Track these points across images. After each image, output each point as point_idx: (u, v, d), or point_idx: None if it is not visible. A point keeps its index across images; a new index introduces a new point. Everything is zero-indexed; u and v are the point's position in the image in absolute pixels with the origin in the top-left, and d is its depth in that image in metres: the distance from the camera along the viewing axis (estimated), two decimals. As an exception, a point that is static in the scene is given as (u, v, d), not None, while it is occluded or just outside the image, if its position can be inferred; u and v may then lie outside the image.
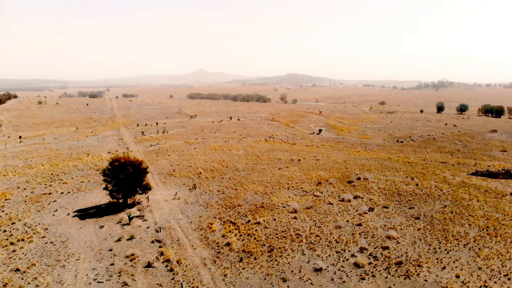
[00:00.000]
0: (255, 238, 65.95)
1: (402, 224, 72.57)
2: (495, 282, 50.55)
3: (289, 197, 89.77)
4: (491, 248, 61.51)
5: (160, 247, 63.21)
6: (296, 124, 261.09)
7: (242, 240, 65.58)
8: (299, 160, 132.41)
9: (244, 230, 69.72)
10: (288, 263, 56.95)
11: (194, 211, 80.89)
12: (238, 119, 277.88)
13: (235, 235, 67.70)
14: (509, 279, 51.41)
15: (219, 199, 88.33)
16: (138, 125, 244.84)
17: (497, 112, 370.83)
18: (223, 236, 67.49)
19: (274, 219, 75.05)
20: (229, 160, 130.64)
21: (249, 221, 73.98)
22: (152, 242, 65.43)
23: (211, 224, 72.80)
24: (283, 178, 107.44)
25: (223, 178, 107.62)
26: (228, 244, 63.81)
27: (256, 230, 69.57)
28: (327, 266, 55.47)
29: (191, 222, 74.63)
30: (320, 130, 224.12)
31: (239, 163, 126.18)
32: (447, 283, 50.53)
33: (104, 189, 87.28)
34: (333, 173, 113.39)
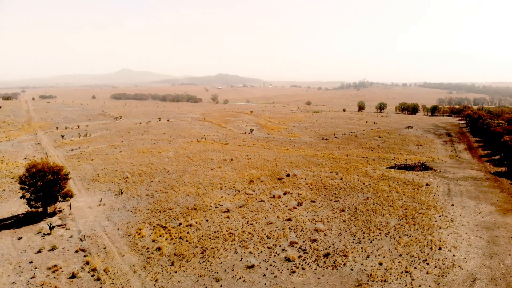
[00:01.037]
0: (187, 241, 65.25)
1: (329, 217, 76.44)
2: (415, 268, 55.26)
3: (222, 197, 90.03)
4: (410, 236, 67.12)
5: (85, 256, 59.90)
6: (228, 124, 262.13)
7: (174, 243, 64.53)
8: (231, 159, 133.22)
9: (176, 233, 68.64)
10: (221, 262, 57.21)
11: (121, 217, 77.78)
12: (168, 120, 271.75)
13: (166, 239, 66.39)
14: (427, 264, 56.50)
15: (148, 204, 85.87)
16: (57, 128, 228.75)
17: (412, 109, 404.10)
18: (153, 241, 65.81)
19: (207, 220, 74.84)
20: (159, 163, 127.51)
21: (180, 224, 72.95)
22: (76, 251, 61.79)
23: (140, 229, 70.61)
24: (215, 178, 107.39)
25: (152, 181, 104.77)
26: (158, 248, 62.39)
27: (188, 232, 68.84)
28: (259, 263, 56.67)
29: (118, 229, 71.71)
30: (252, 130, 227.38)
31: (169, 165, 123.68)
32: (371, 270, 54.22)
33: (21, 198, 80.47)
34: (265, 171, 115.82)
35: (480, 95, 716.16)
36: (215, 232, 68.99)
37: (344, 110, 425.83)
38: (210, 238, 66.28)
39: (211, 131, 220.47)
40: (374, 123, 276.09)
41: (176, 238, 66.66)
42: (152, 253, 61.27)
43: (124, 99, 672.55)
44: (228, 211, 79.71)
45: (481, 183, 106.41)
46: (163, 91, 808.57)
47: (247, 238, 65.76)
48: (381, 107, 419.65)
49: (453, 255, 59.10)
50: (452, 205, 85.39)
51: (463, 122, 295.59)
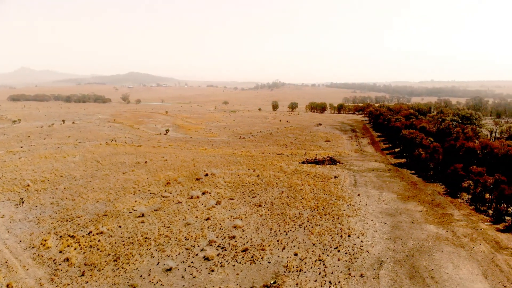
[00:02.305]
0: (98, 249, 61.24)
1: (247, 212, 77.46)
2: (327, 255, 58.28)
3: (136, 201, 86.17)
4: (322, 226, 70.72)
5: (-21, 276, 53.03)
6: (141, 125, 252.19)
7: (84, 253, 60.14)
8: (145, 162, 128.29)
9: (85, 242, 64.02)
10: (137, 268, 54.70)
11: (23, 229, 70.44)
12: (73, 122, 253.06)
13: (75, 248, 61.63)
14: (338, 251, 59.92)
15: (53, 213, 78.95)
16: None
17: (321, 108, 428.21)
18: (60, 251, 60.66)
19: (120, 226, 71.04)
20: (64, 169, 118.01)
21: (90, 232, 68.22)
22: (-32, 271, 54.46)
23: (45, 240, 64.64)
24: (128, 182, 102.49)
25: (57, 189, 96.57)
26: (67, 259, 57.66)
27: (99, 240, 64.65)
28: (177, 265, 55.30)
29: (20, 241, 64.86)
30: (168, 130, 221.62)
31: (76, 171, 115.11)
32: (287, 261, 56.01)
33: None
34: (182, 172, 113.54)
35: (381, 94, 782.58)
36: (129, 238, 65.78)
37: (259, 109, 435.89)
38: (124, 244, 63.00)
39: (122, 133, 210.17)
40: (287, 121, 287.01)
41: (86, 247, 62.18)
42: (60, 264, 56.45)
43: (23, 101, 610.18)
44: (142, 215, 76.55)
45: (383, 174, 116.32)
46: (67, 91, 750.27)
47: (164, 242, 63.79)
48: (293, 107, 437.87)
49: (361, 241, 63.62)
50: (359, 195, 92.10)
51: (366, 118, 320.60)
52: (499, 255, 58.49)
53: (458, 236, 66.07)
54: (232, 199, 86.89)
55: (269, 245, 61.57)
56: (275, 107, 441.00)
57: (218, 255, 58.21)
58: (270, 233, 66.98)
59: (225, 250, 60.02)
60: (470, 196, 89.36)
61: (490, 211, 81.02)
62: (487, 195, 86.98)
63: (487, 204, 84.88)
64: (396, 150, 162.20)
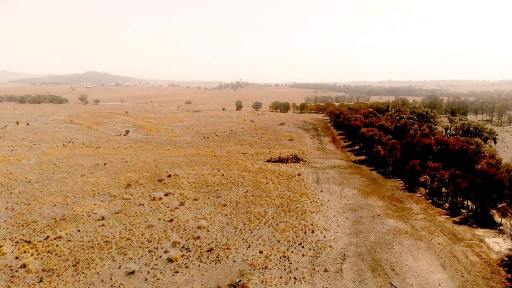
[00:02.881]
0: (57, 254, 58.53)
1: (211, 212, 76.72)
2: (292, 252, 58.70)
3: (95, 204, 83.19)
4: (286, 222, 71.23)
5: None
6: (100, 126, 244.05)
7: (41, 258, 57.28)
8: (105, 164, 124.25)
9: (43, 247, 61.02)
10: (98, 273, 52.72)
11: (-28, 237, 66.09)
12: (28, 124, 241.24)
13: (32, 254, 58.59)
14: (303, 247, 60.50)
15: (8, 218, 74.78)
16: None
17: (284, 107, 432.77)
18: (16, 258, 57.50)
19: (79, 230, 68.31)
20: (18, 172, 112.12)
21: (48, 237, 65.12)
22: None
23: (0, 246, 61.05)
24: (87, 185, 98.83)
25: (11, 193, 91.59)
26: (24, 265, 54.74)
27: (57, 245, 61.81)
28: (140, 268, 53.83)
29: (-31, 250, 60.78)
30: (128, 131, 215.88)
31: (31, 174, 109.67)
32: (252, 260, 55.92)
33: None
34: (143, 174, 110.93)
35: (341, 93, 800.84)
36: (89, 242, 63.34)
37: (223, 109, 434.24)
38: (83, 248, 60.59)
39: (80, 134, 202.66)
40: (252, 121, 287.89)
41: (43, 252, 59.28)
42: (17, 271, 53.51)
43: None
44: (103, 218, 73.99)
45: (344, 171, 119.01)
46: (21, 92, 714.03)
47: (125, 245, 61.93)
48: (257, 106, 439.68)
49: (325, 237, 64.64)
50: (321, 191, 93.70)
51: (327, 118, 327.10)
52: (456, 247, 61.22)
53: (417, 229, 68.59)
54: (197, 200, 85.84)
55: (234, 244, 61.25)
56: (239, 106, 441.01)
57: (182, 256, 57.21)
58: (236, 232, 66.68)
59: (190, 251, 59.11)
60: (427, 191, 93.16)
61: (447, 205, 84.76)
62: (444, 189, 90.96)
63: (443, 198, 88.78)
64: (356, 147, 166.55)
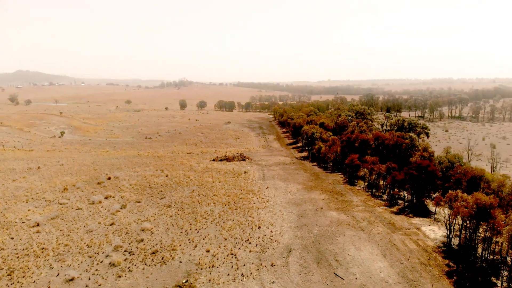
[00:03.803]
0: (-15, 266, 53.61)
1: (155, 214, 74.52)
2: (239, 248, 58.57)
3: (29, 210, 77.42)
4: (233, 220, 71.00)
5: None
6: (33, 127, 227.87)
7: (-34, 272, 52.15)
8: (38, 167, 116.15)
9: (-33, 259, 55.59)
10: (34, 281, 49.05)
11: None
12: None
13: (-45, 268, 53.15)
14: (249, 243, 60.59)
15: None
16: None
17: (229, 106, 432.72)
18: None
19: (12, 238, 63.20)
20: None
21: (-26, 247, 59.48)
22: None
23: None
24: (19, 190, 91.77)
25: None
26: None
27: (-16, 256, 56.64)
28: (80, 274, 50.86)
29: None
30: (63, 133, 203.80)
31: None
32: (199, 259, 55.03)
33: None
34: (81, 177, 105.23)
35: (284, 93, 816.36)
36: (23, 249, 58.79)
37: (166, 108, 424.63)
38: (18, 257, 56.11)
39: (11, 137, 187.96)
40: (196, 120, 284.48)
41: (-32, 266, 53.99)
42: None
43: None
44: (38, 225, 69.04)
45: (289, 167, 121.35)
46: None
47: (64, 251, 58.26)
48: (201, 105, 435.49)
49: (271, 232, 65.34)
50: (267, 187, 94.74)
51: (272, 116, 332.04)
52: (395, 235, 64.63)
53: (358, 220, 71.54)
54: (139, 202, 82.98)
55: (180, 245, 59.95)
56: (183, 106, 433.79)
57: (125, 260, 54.91)
58: (181, 232, 65.32)
59: (133, 254, 56.91)
60: (366, 183, 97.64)
61: (385, 196, 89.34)
62: (381, 182, 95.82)
63: (381, 190, 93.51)
64: (300, 144, 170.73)
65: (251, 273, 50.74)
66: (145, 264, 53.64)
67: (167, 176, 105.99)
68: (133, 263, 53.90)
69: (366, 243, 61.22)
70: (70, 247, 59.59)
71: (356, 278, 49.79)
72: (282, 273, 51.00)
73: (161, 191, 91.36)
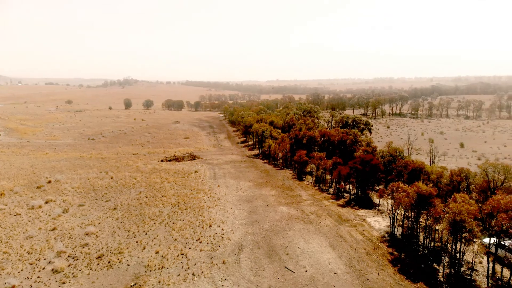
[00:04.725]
0: None
1: (100, 218, 71.50)
2: (190, 248, 57.66)
3: (-42, 218, 71.23)
4: (183, 220, 69.81)
5: None
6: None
7: None
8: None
9: None
10: (-36, 296, 45.21)
11: None
12: None
13: None
14: (200, 242, 59.85)
15: None
16: None
17: (178, 106, 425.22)
18: None
19: None
20: None
21: None
22: None
23: None
24: None
25: None
26: None
27: None
28: (21, 282, 47.62)
29: None
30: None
31: None
32: (148, 261, 53.52)
33: None
34: (19, 181, 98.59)
35: (234, 92, 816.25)
36: (-50, 262, 53.92)
37: (110, 108, 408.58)
38: None
39: None
40: (143, 120, 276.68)
41: None
42: None
43: None
44: (-32, 233, 63.69)
45: (240, 165, 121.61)
46: None
47: (2, 259, 54.25)
48: (148, 104, 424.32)
49: (222, 230, 65.10)
50: (218, 186, 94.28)
51: (222, 115, 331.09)
52: (342, 227, 66.87)
53: (307, 214, 73.24)
54: (82, 206, 79.21)
55: (127, 248, 57.99)
56: (128, 105, 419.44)
57: (69, 265, 52.17)
58: (128, 235, 63.22)
59: (77, 259, 54.20)
60: (314, 178, 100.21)
61: (332, 190, 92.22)
62: (328, 176, 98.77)
63: (328, 184, 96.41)
64: (250, 143, 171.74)
65: (202, 272, 50.21)
66: (91, 269, 51.27)
67: (112, 178, 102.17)
68: (77, 269, 51.33)
69: (315, 235, 62.83)
70: (9, 255, 55.65)
71: (306, 271, 50.93)
72: (234, 270, 50.98)
73: (106, 193, 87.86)
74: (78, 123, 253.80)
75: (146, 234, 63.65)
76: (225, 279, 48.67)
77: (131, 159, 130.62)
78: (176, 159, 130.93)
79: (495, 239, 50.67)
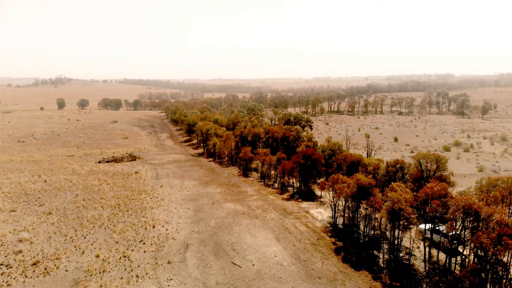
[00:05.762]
0: None
1: (34, 223, 66.68)
2: (133, 250, 55.53)
3: None
4: (125, 222, 67.12)
5: None
6: None
7: None
8: None
9: None
10: None
11: None
12: None
13: None
14: (144, 243, 57.87)
15: None
16: None
17: (115, 105, 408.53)
18: None
19: None
20: None
21: None
22: None
23: None
24: None
25: None
26: None
27: None
28: None
29: None
30: None
31: None
32: (88, 266, 50.78)
33: None
34: None
35: (176, 90, 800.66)
36: None
37: (42, 108, 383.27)
38: None
39: None
40: (78, 120, 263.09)
41: None
42: None
43: None
44: None
45: (184, 164, 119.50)
46: None
47: None
48: (83, 104, 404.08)
49: (166, 230, 63.52)
50: (161, 186, 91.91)
51: (164, 114, 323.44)
52: (287, 220, 68.09)
53: (253, 209, 73.71)
54: (14, 211, 73.44)
55: (65, 253, 54.62)
56: (61, 105, 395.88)
57: (2, 274, 48.07)
58: (66, 240, 59.59)
59: (11, 267, 50.08)
60: (259, 174, 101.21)
61: (276, 185, 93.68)
62: (273, 172, 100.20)
63: (273, 179, 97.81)
64: (194, 141, 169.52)
65: (146, 273, 48.59)
66: (26, 277, 47.60)
67: (45, 181, 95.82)
68: (11, 277, 47.42)
69: (261, 229, 63.40)
70: None
71: (253, 264, 51.20)
72: (180, 269, 49.93)
73: (40, 197, 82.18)
74: (6, 124, 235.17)
75: (85, 238, 60.38)
76: (171, 278, 47.51)
77: (66, 161, 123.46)
78: (115, 160, 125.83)
79: (430, 225, 54.21)
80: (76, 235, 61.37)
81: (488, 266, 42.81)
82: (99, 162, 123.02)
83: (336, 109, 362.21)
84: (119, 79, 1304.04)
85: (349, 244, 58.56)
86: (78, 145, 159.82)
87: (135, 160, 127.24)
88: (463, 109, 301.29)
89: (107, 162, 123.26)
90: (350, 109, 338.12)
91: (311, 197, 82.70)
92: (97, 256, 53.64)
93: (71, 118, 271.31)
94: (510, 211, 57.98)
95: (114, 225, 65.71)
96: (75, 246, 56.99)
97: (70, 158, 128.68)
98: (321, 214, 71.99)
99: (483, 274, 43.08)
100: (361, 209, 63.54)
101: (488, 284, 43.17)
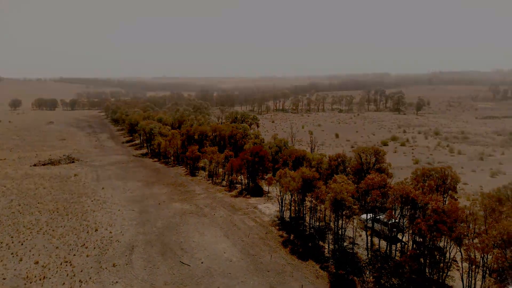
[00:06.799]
0: None
1: (-40, 232, 61.15)
2: (74, 255, 52.70)
3: None
4: (64, 227, 63.53)
5: None
6: None
7: None
8: None
9: None
10: None
11: None
12: None
13: None
14: (86, 248, 55.10)
15: None
16: None
17: (51, 104, 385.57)
18: None
19: None
20: None
21: None
22: None
23: None
24: None
25: None
26: None
27: None
28: None
29: None
30: None
31: None
32: (27, 272, 47.60)
33: None
34: None
35: (117, 89, 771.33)
36: None
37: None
38: None
39: None
40: (10, 121, 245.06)
41: None
42: None
43: None
44: None
45: (127, 165, 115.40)
46: None
47: None
48: (15, 104, 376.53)
49: (110, 232, 61.00)
50: (103, 188, 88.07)
51: (104, 114, 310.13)
52: (235, 216, 68.20)
53: (201, 208, 72.94)
54: None
55: (1, 260, 50.84)
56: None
57: None
58: (1, 247, 55.38)
59: None
60: (207, 173, 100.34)
61: (224, 182, 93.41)
62: (221, 170, 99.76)
63: (221, 177, 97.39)
64: (137, 141, 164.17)
65: (90, 278, 46.38)
66: (-50, 292, 43.56)
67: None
68: None
69: (210, 227, 62.96)
70: None
71: (202, 262, 50.70)
72: (126, 271, 48.21)
73: (-33, 205, 75.49)
74: None
75: (22, 244, 56.42)
76: (117, 281, 45.75)
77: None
78: (52, 163, 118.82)
79: (371, 214, 56.85)
80: (12, 242, 57.18)
81: (426, 252, 45.72)
82: (35, 165, 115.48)
83: (281, 108, 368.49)
84: (54, 77, 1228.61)
85: (296, 236, 59.88)
86: (11, 148, 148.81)
87: (73, 162, 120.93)
88: (399, 106, 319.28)
89: (43, 165, 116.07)
90: (294, 108, 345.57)
91: (259, 193, 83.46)
92: (37, 263, 50.38)
93: (2, 120, 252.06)
94: (444, 199, 62.41)
95: (53, 230, 62.04)
96: (12, 253, 53.09)
97: (3, 162, 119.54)
98: (268, 208, 72.91)
99: (421, 259, 45.95)
100: (306, 202, 65.21)
101: (426, 268, 46.17)
